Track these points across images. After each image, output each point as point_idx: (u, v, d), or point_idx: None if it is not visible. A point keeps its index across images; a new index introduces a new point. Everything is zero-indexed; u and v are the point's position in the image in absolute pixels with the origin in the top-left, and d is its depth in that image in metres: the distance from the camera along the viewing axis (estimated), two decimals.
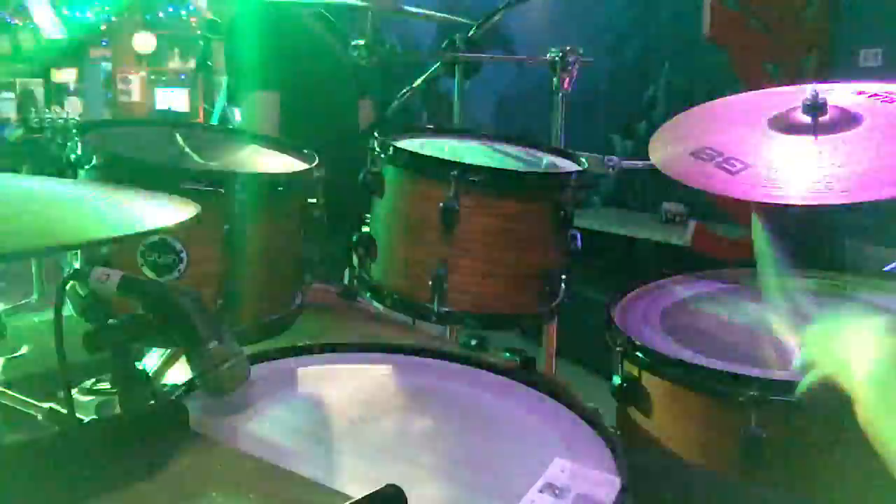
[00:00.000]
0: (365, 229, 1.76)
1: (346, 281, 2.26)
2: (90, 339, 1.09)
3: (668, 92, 4.79)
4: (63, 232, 0.96)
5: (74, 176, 1.50)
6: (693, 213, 4.28)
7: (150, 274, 1.41)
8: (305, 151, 1.76)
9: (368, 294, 1.78)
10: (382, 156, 1.68)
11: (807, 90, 1.52)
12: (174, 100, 5.36)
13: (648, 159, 1.64)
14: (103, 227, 1.02)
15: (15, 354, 1.75)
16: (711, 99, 1.75)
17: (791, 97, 1.57)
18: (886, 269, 1.84)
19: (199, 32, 4.26)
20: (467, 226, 1.59)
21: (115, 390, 1.14)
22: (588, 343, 1.81)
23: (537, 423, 1.29)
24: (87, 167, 1.46)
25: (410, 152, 1.66)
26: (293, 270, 1.64)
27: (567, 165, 1.86)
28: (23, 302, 2.37)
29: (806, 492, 1.29)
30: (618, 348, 1.46)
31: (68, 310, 1.43)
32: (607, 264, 4.03)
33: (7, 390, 1.35)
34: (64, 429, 1.23)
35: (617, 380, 1.47)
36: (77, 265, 1.49)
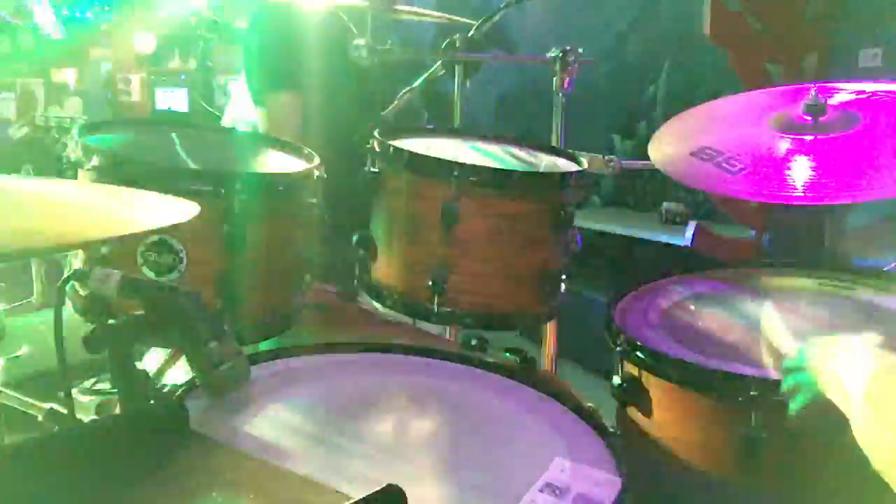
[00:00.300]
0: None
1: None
2: (90, 339, 1.09)
3: (668, 92, 4.79)
4: (63, 232, 0.96)
5: (74, 176, 1.50)
6: (693, 213, 4.28)
7: (150, 274, 1.41)
8: (305, 151, 1.76)
9: (368, 294, 1.78)
10: (382, 156, 1.68)
11: (807, 90, 1.52)
12: (174, 100, 5.35)
13: (648, 159, 1.64)
14: (103, 227, 1.02)
15: (15, 354, 1.75)
16: (711, 99, 1.75)
17: (791, 97, 1.57)
18: (886, 269, 1.84)
19: (199, 32, 4.25)
20: (467, 226, 1.59)
21: (115, 390, 1.14)
22: (588, 343, 1.81)
23: (537, 423, 1.29)
24: (87, 167, 1.46)
25: (410, 152, 1.66)
26: (293, 270, 1.64)
27: (567, 165, 1.86)
28: (23, 302, 2.37)
29: (806, 492, 1.29)
30: (618, 348, 1.46)
31: (68, 310, 1.43)
32: (607, 264, 4.03)
33: (7, 390, 1.36)
34: (64, 429, 1.23)
35: (617, 380, 1.47)
36: (77, 265, 1.49)
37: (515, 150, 1.94)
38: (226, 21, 4.13)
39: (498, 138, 1.99)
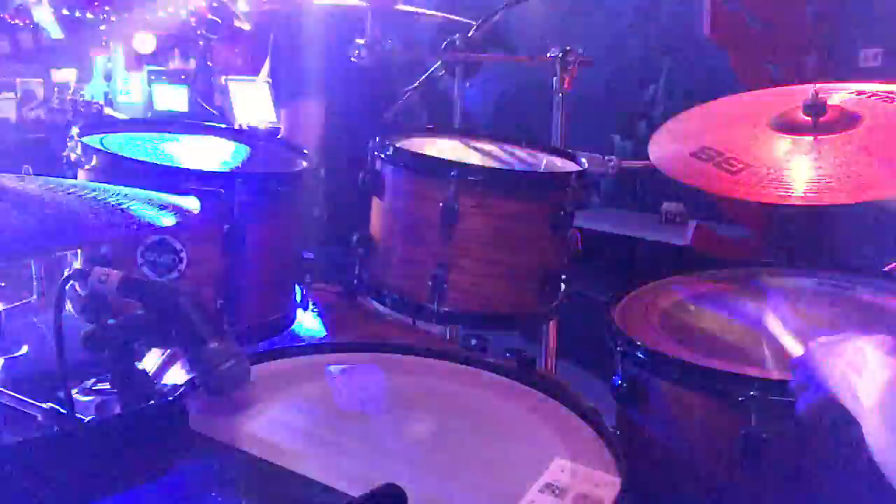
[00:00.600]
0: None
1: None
2: (90, 339, 1.09)
3: (668, 92, 4.79)
4: (63, 232, 0.96)
5: (74, 176, 1.50)
6: (693, 213, 4.28)
7: (150, 274, 1.41)
8: (305, 151, 1.76)
9: (369, 294, 1.78)
10: (382, 156, 1.68)
11: (807, 90, 1.52)
12: (174, 100, 5.35)
13: (648, 159, 1.64)
14: (103, 227, 1.02)
15: (15, 354, 1.75)
16: (711, 99, 1.75)
17: (791, 97, 1.57)
18: (886, 268, 1.84)
19: (199, 32, 4.25)
20: (467, 226, 1.59)
21: (115, 390, 1.14)
22: (588, 343, 1.81)
23: (537, 423, 1.29)
24: (87, 167, 1.46)
25: (410, 152, 1.66)
26: (293, 270, 1.64)
27: (567, 165, 1.86)
28: (23, 302, 2.37)
29: (806, 492, 1.29)
30: (618, 348, 1.46)
31: (68, 310, 1.43)
32: (607, 264, 4.02)
33: (7, 390, 1.35)
34: (64, 429, 1.23)
35: (617, 380, 1.47)
36: (77, 265, 1.49)
37: (515, 150, 1.94)
38: (226, 21, 4.13)
39: (498, 138, 1.99)
